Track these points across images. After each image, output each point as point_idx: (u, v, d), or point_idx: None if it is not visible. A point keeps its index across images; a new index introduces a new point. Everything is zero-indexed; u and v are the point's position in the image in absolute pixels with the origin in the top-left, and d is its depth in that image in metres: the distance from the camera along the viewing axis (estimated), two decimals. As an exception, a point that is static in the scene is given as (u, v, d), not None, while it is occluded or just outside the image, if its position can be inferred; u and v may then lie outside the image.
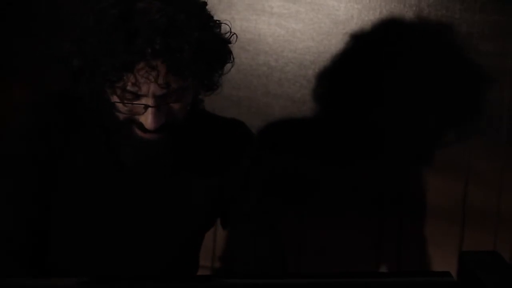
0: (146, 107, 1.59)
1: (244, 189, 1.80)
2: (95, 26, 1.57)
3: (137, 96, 1.59)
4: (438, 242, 2.34)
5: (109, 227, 1.75)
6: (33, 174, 1.72)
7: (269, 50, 2.33)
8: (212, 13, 1.67)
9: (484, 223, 2.30)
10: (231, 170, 1.79)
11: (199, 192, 1.78)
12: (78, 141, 1.72)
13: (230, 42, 1.67)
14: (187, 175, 1.77)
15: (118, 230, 1.76)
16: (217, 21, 1.65)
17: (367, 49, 2.28)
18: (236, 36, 1.68)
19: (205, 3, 1.65)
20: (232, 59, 1.68)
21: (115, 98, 1.60)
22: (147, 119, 1.59)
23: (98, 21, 1.57)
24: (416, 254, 2.37)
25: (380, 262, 2.40)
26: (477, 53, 2.22)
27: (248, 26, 2.32)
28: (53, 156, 1.71)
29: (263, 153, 1.87)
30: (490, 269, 1.39)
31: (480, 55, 2.22)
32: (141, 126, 1.61)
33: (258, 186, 1.82)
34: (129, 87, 1.57)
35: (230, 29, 1.66)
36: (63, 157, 1.71)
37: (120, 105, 1.61)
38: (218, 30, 1.65)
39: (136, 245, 1.78)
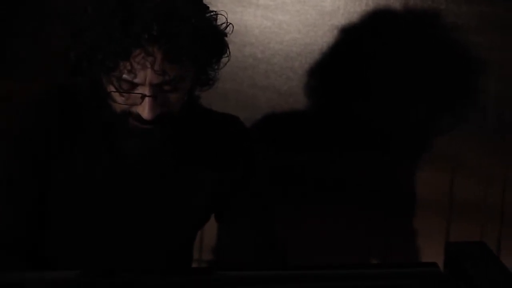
0: (143, 96, 1.59)
1: (241, 185, 1.80)
2: (94, 14, 1.58)
3: (134, 86, 1.59)
4: (425, 234, 2.35)
5: (107, 221, 1.75)
6: (32, 170, 1.72)
7: (255, 42, 2.33)
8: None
9: (471, 215, 2.31)
10: (228, 165, 1.79)
11: (196, 186, 1.78)
12: (77, 136, 1.72)
13: (226, 35, 1.67)
14: (184, 169, 1.77)
15: (116, 224, 1.76)
16: (214, 12, 1.65)
17: (354, 41, 2.28)
18: (233, 26, 1.68)
19: None
20: (228, 53, 1.68)
21: (111, 88, 1.60)
22: (144, 109, 1.59)
23: (96, 9, 1.58)
24: (403, 246, 2.37)
25: (367, 254, 2.40)
26: (464, 45, 2.22)
27: (234, 18, 2.29)
28: (53, 152, 1.71)
29: (261, 149, 1.88)
30: (477, 260, 1.39)
31: (466, 46, 2.22)
32: (138, 117, 1.61)
33: (256, 181, 1.83)
34: (125, 75, 1.57)
35: (226, 19, 1.66)
36: (62, 152, 1.71)
37: (116, 95, 1.61)
38: (215, 21, 1.65)
39: (133, 238, 1.77)
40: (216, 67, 1.68)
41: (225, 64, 1.69)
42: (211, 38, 1.62)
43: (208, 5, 1.65)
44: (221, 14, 1.66)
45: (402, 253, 2.37)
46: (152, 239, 1.78)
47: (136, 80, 1.58)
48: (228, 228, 1.85)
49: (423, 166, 2.33)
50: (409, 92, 2.29)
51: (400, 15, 2.23)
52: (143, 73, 1.57)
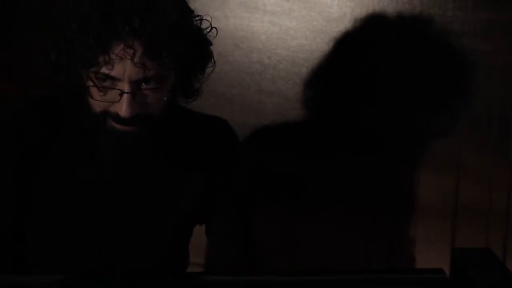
0: (122, 93, 1.57)
1: (223, 188, 1.79)
2: (74, 6, 1.57)
3: (113, 81, 1.58)
4: (430, 239, 2.35)
5: (89, 224, 1.75)
6: (13, 174, 1.72)
7: (262, 47, 2.33)
8: (205, 10, 1.67)
9: (476, 219, 2.31)
10: (211, 167, 1.78)
11: (178, 188, 1.77)
12: (59, 141, 1.72)
13: (211, 43, 1.67)
14: (166, 171, 1.75)
15: (100, 227, 1.75)
16: (199, 16, 1.65)
17: (360, 47, 2.29)
18: (217, 30, 1.67)
19: None
20: (213, 62, 1.67)
21: (90, 83, 1.59)
22: (122, 107, 1.57)
23: (77, 3, 1.57)
24: (408, 251, 2.38)
25: (372, 259, 2.40)
26: (469, 51, 2.22)
27: (241, 23, 2.32)
28: (33, 156, 1.71)
29: (244, 152, 1.87)
30: (482, 266, 1.39)
31: (472, 53, 2.22)
32: (116, 117, 1.60)
33: (237, 185, 1.82)
34: (103, 69, 1.56)
35: (211, 24, 1.65)
36: (43, 156, 1.71)
37: (95, 92, 1.59)
38: (199, 25, 1.65)
39: (116, 241, 1.77)
40: (200, 77, 1.68)
41: (210, 74, 1.68)
42: (193, 38, 1.62)
43: (192, 9, 1.65)
44: (205, 20, 1.65)
45: (408, 258, 2.37)
46: (137, 243, 1.78)
47: (114, 73, 1.56)
48: (206, 231, 1.86)
49: (428, 171, 2.33)
50: (414, 97, 2.29)
51: (406, 21, 2.24)
52: (121, 66, 1.56)
